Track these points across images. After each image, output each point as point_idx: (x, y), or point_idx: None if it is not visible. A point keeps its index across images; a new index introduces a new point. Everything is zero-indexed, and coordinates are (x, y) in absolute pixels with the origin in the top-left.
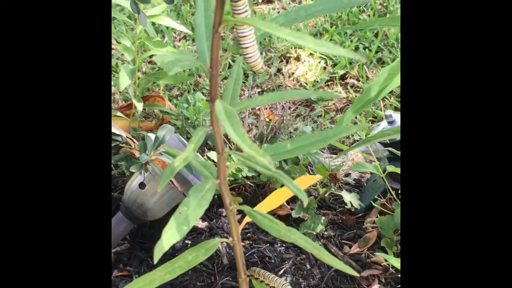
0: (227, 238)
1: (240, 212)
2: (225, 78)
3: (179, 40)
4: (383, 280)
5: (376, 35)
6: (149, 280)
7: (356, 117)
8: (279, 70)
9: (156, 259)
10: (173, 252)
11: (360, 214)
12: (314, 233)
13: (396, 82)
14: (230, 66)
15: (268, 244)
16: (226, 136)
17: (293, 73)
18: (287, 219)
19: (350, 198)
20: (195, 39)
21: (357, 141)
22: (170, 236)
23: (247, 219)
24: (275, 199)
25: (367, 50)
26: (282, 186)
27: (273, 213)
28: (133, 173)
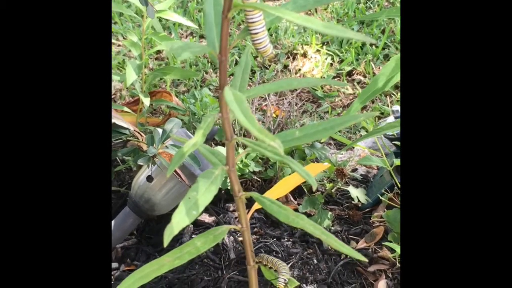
0: (234, 232)
1: (247, 206)
2: (232, 74)
3: (186, 36)
4: (390, 275)
5: (383, 32)
6: (158, 266)
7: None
8: (285, 67)
9: (166, 242)
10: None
11: (367, 210)
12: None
13: None
14: (236, 63)
15: (275, 239)
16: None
17: (299, 70)
18: None
19: (357, 193)
20: (204, 27)
21: None
22: (179, 220)
23: (256, 206)
24: (283, 187)
25: (374, 46)
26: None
27: None
28: (140, 168)
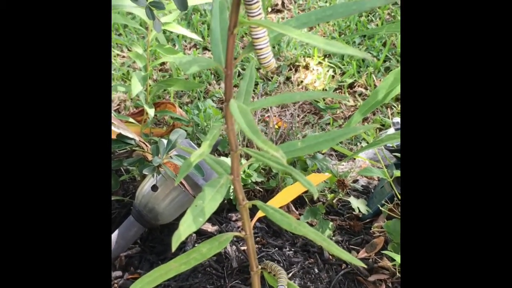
0: (237, 241)
1: (251, 215)
2: (235, 86)
3: (190, 48)
4: (390, 284)
5: (384, 45)
6: (165, 271)
7: (364, 124)
8: (288, 79)
9: (174, 247)
10: None
11: (368, 220)
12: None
13: None
14: (239, 75)
15: (277, 248)
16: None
17: (302, 82)
18: None
19: (357, 204)
20: (210, 42)
21: None
22: (187, 226)
23: (259, 214)
24: (285, 197)
25: (375, 59)
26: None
27: None
28: (144, 177)
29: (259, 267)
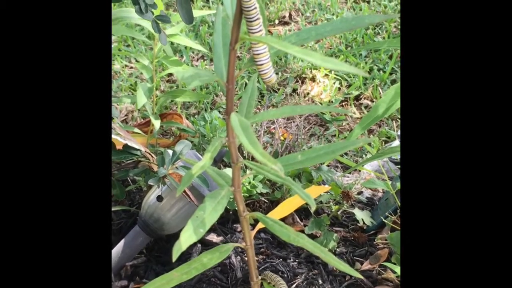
0: (242, 252)
1: (254, 226)
2: (241, 97)
3: (197, 60)
4: None
5: (390, 57)
6: (166, 280)
7: (369, 137)
8: (294, 90)
9: (174, 257)
10: None
11: (372, 232)
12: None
13: None
14: (246, 86)
15: (281, 259)
16: (242, 154)
17: (308, 93)
18: None
19: (362, 216)
20: (213, 56)
21: None
22: (187, 237)
23: (259, 225)
24: (286, 208)
25: (381, 71)
26: None
27: None
28: (150, 188)
29: (259, 277)
